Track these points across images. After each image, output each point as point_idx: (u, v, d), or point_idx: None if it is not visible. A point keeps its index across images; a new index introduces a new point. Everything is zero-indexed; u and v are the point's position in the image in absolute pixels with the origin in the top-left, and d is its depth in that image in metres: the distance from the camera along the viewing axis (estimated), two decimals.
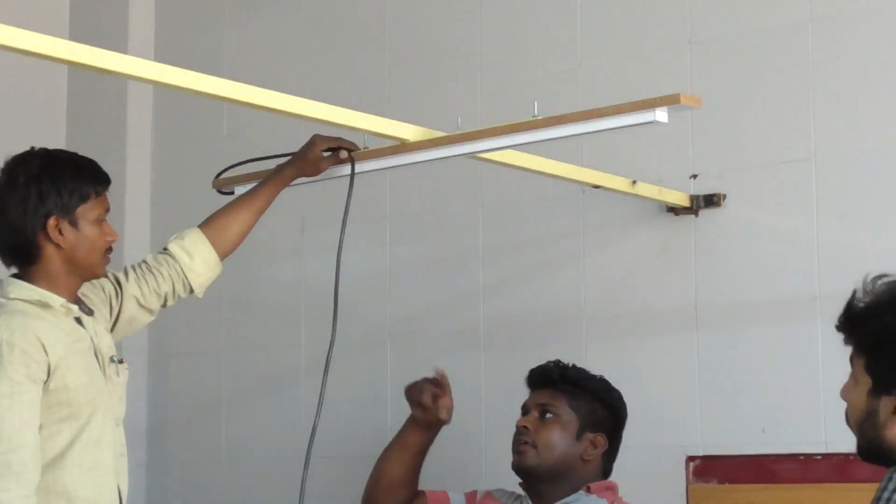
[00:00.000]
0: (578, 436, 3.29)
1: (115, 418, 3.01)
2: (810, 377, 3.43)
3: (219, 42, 4.73)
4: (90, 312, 3.04)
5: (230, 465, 4.55)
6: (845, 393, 2.36)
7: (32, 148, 3.02)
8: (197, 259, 3.19)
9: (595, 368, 3.53)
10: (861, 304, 2.30)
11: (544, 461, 3.27)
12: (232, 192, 3.42)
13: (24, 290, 2.93)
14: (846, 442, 3.32)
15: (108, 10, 4.87)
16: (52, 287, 2.93)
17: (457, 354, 4.02)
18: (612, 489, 3.29)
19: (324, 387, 3.03)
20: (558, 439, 3.28)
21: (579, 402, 3.32)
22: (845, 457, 3.33)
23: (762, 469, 3.19)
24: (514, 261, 3.97)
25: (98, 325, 3.04)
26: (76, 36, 4.68)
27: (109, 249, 3.00)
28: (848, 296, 2.31)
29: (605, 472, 3.34)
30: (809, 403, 3.42)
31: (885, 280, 2.30)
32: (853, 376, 2.33)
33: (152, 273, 3.15)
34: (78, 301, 3.01)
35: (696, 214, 3.63)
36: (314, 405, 4.26)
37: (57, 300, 2.93)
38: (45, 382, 2.84)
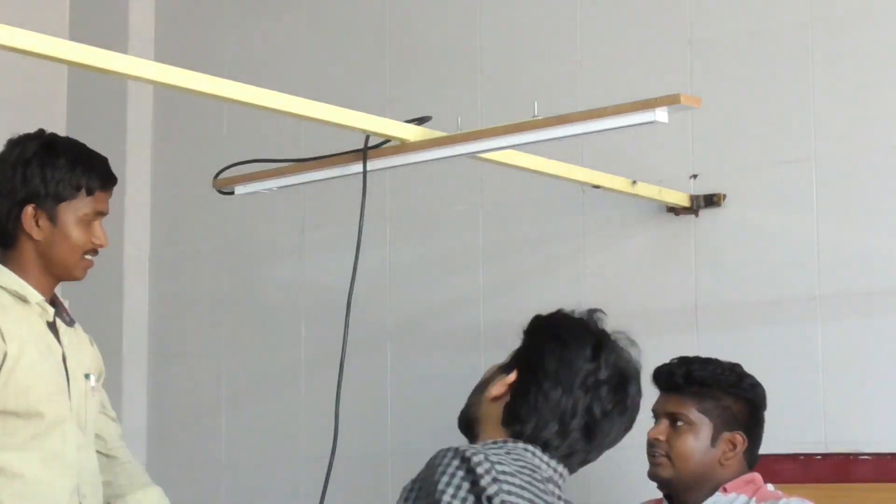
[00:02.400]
0: (714, 440, 3.10)
1: (77, 439, 2.82)
2: (810, 377, 3.43)
3: (219, 42, 4.73)
4: (71, 323, 2.89)
5: (230, 465, 4.54)
6: None
7: (41, 130, 2.89)
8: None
9: None
10: None
11: (681, 472, 3.10)
12: (232, 192, 3.41)
13: (4, 276, 2.79)
14: (846, 442, 3.34)
15: (108, 10, 4.87)
16: (24, 278, 2.78)
17: (457, 354, 4.02)
18: (753, 482, 3.11)
19: (339, 387, 3.01)
20: (693, 449, 3.10)
21: (709, 404, 3.11)
22: (845, 457, 3.33)
23: (762, 469, 3.18)
24: (514, 261, 3.97)
25: (78, 339, 2.90)
26: (76, 36, 4.67)
27: (94, 252, 2.86)
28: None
29: (750, 465, 3.16)
30: (809, 403, 3.42)
31: None
32: None
33: (103, 438, 3.03)
34: (58, 306, 2.87)
35: (696, 214, 3.63)
36: (314, 405, 4.29)
37: (35, 297, 2.78)
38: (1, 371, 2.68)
